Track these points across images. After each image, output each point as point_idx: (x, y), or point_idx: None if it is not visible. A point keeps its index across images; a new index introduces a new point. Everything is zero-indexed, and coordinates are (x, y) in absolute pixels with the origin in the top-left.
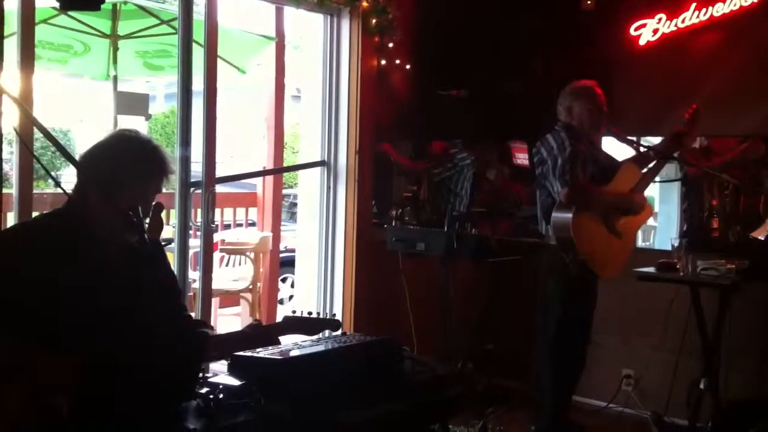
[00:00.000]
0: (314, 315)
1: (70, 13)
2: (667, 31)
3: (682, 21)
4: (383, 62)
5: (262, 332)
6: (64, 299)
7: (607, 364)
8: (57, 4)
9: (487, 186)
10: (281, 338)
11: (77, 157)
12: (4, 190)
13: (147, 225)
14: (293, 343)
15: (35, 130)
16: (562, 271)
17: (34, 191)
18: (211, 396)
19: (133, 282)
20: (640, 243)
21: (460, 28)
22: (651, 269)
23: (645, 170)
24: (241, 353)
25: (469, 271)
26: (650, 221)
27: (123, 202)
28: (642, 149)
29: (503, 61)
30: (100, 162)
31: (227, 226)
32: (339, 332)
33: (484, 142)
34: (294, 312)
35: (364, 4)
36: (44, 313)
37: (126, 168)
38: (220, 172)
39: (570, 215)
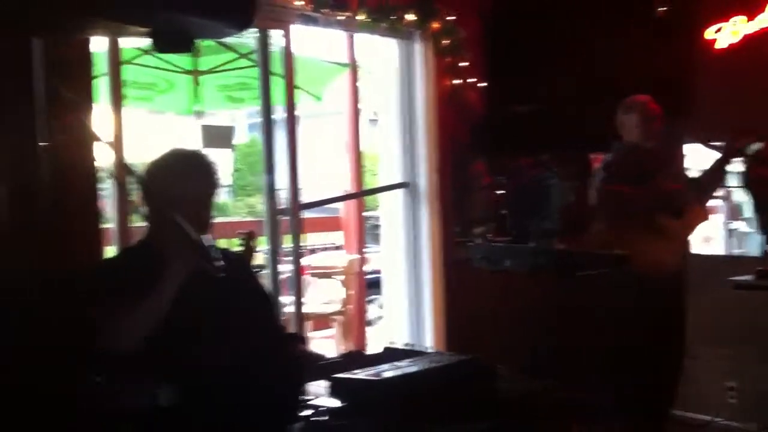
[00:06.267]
0: (409, 348)
1: (154, 52)
2: (743, 33)
3: (759, 22)
4: (457, 81)
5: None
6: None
7: (709, 377)
8: (142, 45)
9: (570, 199)
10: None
11: None
12: (104, 225)
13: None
14: (390, 364)
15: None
16: (633, 282)
17: (132, 225)
18: (314, 418)
19: (212, 304)
20: (735, 250)
21: (532, 42)
22: (749, 277)
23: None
24: (339, 375)
25: (556, 285)
26: (744, 227)
27: (171, 209)
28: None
29: (577, 72)
30: (148, 182)
31: (312, 251)
32: (431, 351)
33: (564, 155)
34: (392, 343)
35: (435, 25)
36: None
37: (161, 176)
38: (303, 198)
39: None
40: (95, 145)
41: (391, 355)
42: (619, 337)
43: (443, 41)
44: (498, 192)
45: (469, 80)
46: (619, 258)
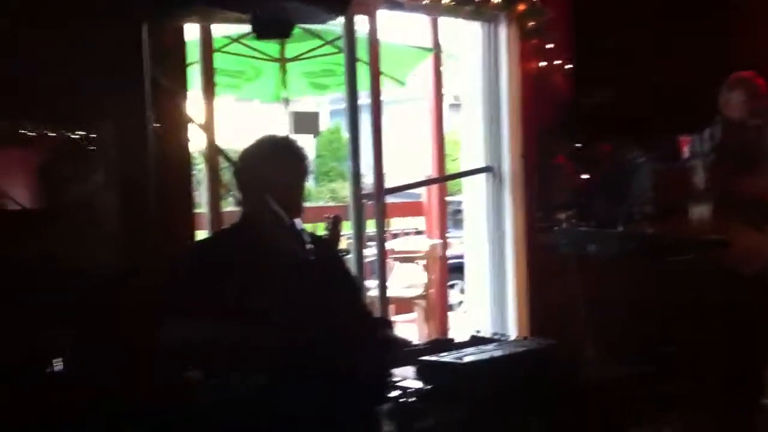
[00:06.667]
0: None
1: (242, 40)
2: None
3: None
4: (543, 64)
5: None
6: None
7: None
8: (231, 33)
9: (659, 182)
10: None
11: None
12: (196, 210)
13: (327, 236)
14: (474, 348)
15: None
16: (724, 270)
17: (223, 210)
18: (402, 399)
19: (302, 287)
20: None
21: (619, 23)
22: None
23: None
24: (426, 358)
25: (644, 271)
26: None
27: (264, 195)
28: None
29: (665, 53)
30: (242, 168)
31: (394, 235)
32: (515, 336)
33: (652, 137)
34: (478, 332)
35: (520, 7)
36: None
37: (256, 162)
38: (386, 184)
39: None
40: (190, 131)
41: (477, 343)
42: (707, 325)
43: (529, 23)
44: (584, 176)
45: (555, 63)
46: (718, 243)
